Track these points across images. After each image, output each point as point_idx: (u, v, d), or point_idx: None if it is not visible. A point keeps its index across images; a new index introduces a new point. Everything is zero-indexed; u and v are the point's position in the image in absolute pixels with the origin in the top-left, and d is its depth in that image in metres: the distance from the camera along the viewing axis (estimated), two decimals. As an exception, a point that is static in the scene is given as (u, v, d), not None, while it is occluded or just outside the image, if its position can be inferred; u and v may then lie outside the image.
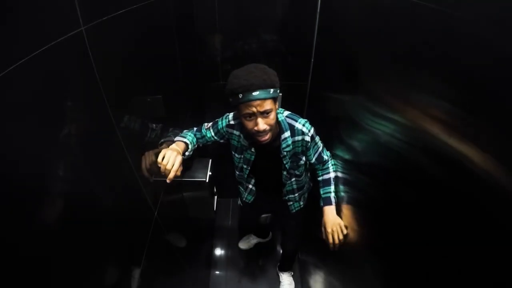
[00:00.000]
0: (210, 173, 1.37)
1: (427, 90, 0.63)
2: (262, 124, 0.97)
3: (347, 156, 1.16)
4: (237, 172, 1.38)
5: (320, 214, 1.22)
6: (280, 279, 2.02)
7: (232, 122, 1.18)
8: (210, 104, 1.88)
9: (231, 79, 0.97)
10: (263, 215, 1.92)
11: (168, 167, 0.93)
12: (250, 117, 0.98)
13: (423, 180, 0.64)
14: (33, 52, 0.42)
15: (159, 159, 0.94)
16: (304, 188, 1.40)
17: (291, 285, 2.00)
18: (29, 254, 0.43)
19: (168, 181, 0.94)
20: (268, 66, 1.01)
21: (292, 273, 2.04)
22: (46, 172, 0.48)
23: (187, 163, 1.35)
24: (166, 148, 1.02)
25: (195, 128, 1.27)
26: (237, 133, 1.18)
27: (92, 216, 0.62)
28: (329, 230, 1.13)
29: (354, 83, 1.08)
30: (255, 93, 0.92)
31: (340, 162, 1.22)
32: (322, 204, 1.22)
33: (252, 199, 1.47)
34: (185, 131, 1.25)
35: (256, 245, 2.22)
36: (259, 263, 2.17)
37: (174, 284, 1.32)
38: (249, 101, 0.93)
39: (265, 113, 0.96)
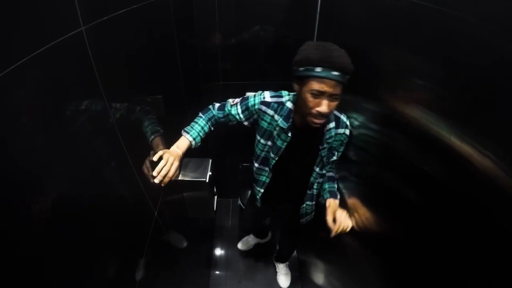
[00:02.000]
0: (210, 173, 1.36)
1: (428, 90, 0.63)
2: (326, 107, 0.88)
3: (348, 156, 1.16)
4: (256, 165, 1.22)
5: (321, 208, 1.18)
6: (277, 269, 2.07)
7: (268, 100, 1.05)
8: (210, 104, 1.88)
9: (309, 48, 0.87)
10: (266, 219, 1.93)
11: (162, 173, 0.92)
12: (318, 95, 0.88)
13: (424, 178, 0.64)
14: (33, 52, 0.42)
15: (156, 170, 0.91)
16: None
17: (288, 275, 2.05)
18: (28, 254, 0.43)
19: (162, 185, 0.93)
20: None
21: (288, 263, 2.07)
22: (46, 172, 0.48)
23: (186, 163, 1.35)
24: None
25: (216, 105, 1.14)
26: (271, 112, 1.04)
27: (92, 216, 0.62)
28: (338, 215, 1.03)
29: (354, 82, 1.08)
30: (335, 73, 0.83)
31: (342, 161, 1.22)
32: (328, 196, 1.14)
33: (260, 202, 1.35)
34: (200, 113, 1.15)
35: (256, 245, 2.22)
36: (259, 263, 2.17)
37: (174, 284, 1.32)
38: (325, 78, 0.84)
39: (334, 97, 0.88)
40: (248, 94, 1.09)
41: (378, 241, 0.89)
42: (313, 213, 1.37)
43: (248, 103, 1.07)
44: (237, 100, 1.10)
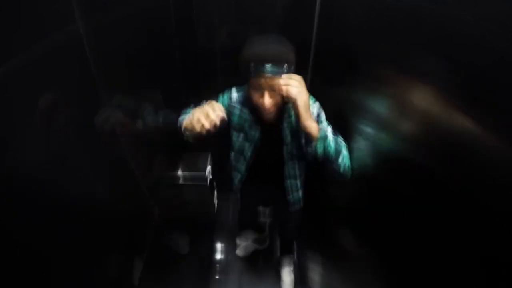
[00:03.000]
0: (210, 167, 1.34)
1: (428, 90, 0.63)
2: (267, 101, 0.90)
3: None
4: (233, 153, 1.27)
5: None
6: (280, 269, 2.04)
7: (234, 95, 1.12)
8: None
9: (246, 44, 0.90)
10: (261, 207, 1.91)
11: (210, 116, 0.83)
12: (258, 89, 0.90)
13: (424, 178, 0.64)
14: (33, 52, 0.42)
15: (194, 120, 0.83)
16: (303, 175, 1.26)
17: (291, 279, 2.02)
18: (28, 254, 0.43)
19: (217, 122, 0.84)
20: None
21: (292, 268, 2.05)
22: (45, 171, 0.48)
23: (186, 158, 1.34)
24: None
25: (193, 105, 1.16)
26: (238, 106, 1.11)
27: (91, 216, 0.62)
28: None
29: (353, 81, 1.08)
30: (268, 65, 0.84)
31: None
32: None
33: (239, 184, 1.35)
34: (183, 111, 1.13)
35: (254, 251, 2.21)
36: (259, 264, 2.17)
37: (174, 285, 1.32)
38: (259, 72, 0.86)
39: (274, 89, 0.89)
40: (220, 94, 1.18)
41: (378, 241, 0.89)
42: (301, 192, 1.31)
43: (218, 100, 1.13)
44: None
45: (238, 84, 1.19)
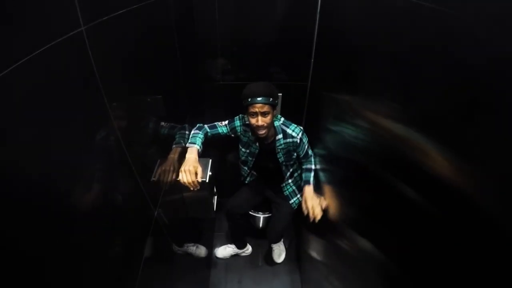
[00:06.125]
0: (210, 173, 1.37)
1: (428, 90, 0.64)
2: (260, 121, 1.35)
3: (346, 155, 1.16)
4: (240, 162, 1.74)
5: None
6: (272, 248, 2.13)
7: (247, 122, 1.47)
8: (210, 104, 1.88)
9: (246, 88, 1.36)
10: (253, 212, 1.94)
11: (192, 181, 1.20)
12: (253, 115, 1.35)
13: (423, 180, 0.64)
14: (33, 52, 0.42)
15: (181, 180, 1.20)
16: (298, 177, 1.72)
17: (282, 251, 2.13)
18: (29, 252, 0.43)
19: (193, 189, 1.23)
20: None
21: (282, 241, 2.15)
22: (45, 172, 0.48)
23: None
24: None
25: (206, 126, 1.52)
26: (248, 130, 1.53)
27: (91, 216, 0.62)
28: (309, 204, 1.42)
29: (354, 83, 1.08)
30: (259, 98, 1.30)
31: (339, 160, 1.23)
32: (303, 184, 1.55)
33: (250, 180, 1.84)
34: (195, 131, 1.45)
35: (256, 245, 2.22)
36: (259, 263, 2.17)
37: (174, 284, 1.32)
38: (254, 103, 1.31)
39: (264, 114, 1.34)
40: (234, 118, 1.57)
41: (379, 241, 0.89)
42: (299, 197, 1.73)
43: (234, 125, 1.55)
44: (225, 122, 1.56)
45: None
